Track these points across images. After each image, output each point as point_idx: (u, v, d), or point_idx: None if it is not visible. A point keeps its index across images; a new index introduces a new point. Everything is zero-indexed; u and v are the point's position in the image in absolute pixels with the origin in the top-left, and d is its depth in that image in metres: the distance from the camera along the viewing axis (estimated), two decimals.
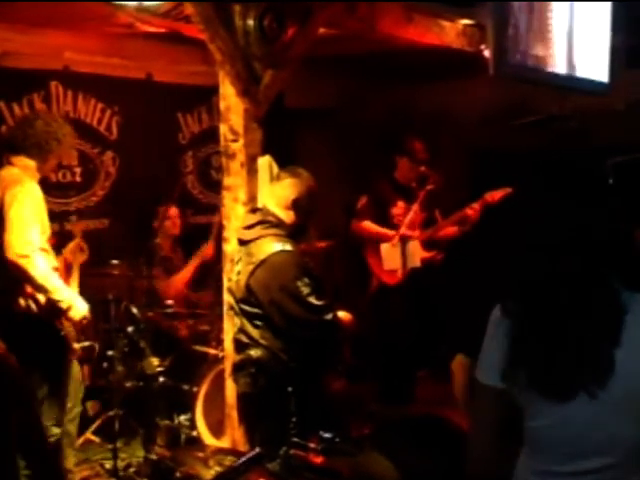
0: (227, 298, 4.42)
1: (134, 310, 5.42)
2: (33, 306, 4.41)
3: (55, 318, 4.50)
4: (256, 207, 4.36)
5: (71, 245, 4.88)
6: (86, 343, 4.90)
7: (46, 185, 4.54)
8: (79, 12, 5.14)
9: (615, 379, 1.97)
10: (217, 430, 5.16)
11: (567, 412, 2.06)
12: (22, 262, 4.20)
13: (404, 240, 6.18)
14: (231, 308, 4.29)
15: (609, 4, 5.78)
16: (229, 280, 4.34)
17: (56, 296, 4.36)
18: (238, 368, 4.19)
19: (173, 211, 6.32)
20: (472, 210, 6.12)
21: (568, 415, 2.07)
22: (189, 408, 5.29)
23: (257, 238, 4.08)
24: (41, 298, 4.39)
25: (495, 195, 5.86)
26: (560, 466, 2.13)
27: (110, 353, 5.30)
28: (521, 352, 2.11)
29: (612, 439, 2.04)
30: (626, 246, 2.10)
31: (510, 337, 2.14)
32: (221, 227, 4.61)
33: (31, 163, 4.52)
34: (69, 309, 4.42)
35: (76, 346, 4.73)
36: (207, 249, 6.24)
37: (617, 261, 2.07)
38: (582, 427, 2.06)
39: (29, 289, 4.37)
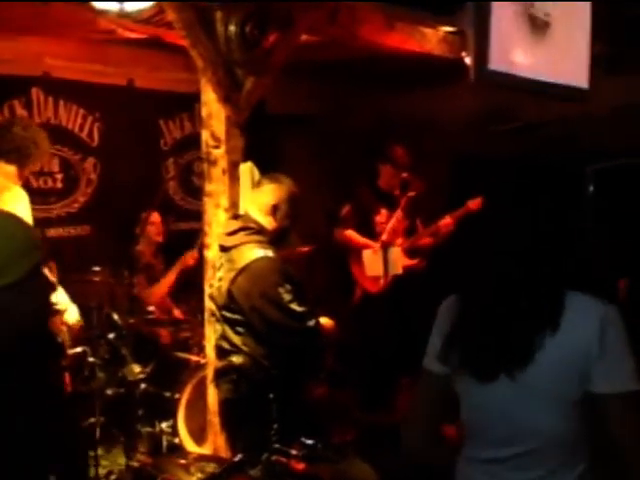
0: (209, 305, 4.41)
1: (115, 317, 5.39)
2: None
3: (51, 323, 4.50)
4: (238, 213, 4.36)
5: None
6: (78, 349, 4.88)
7: (27, 191, 4.51)
8: (60, 18, 5.12)
9: (534, 366, 2.09)
10: (199, 437, 5.15)
11: (490, 394, 2.18)
12: None
13: (386, 247, 6.19)
14: (213, 315, 4.28)
15: (589, 10, 5.80)
16: (211, 286, 4.33)
17: (56, 299, 4.36)
18: (220, 375, 4.18)
19: (155, 217, 6.29)
20: (442, 225, 6.17)
21: (491, 397, 2.19)
22: (171, 415, 5.27)
23: (239, 244, 4.08)
24: None
25: (477, 203, 5.89)
26: (486, 452, 2.24)
27: (91, 360, 5.27)
28: (457, 334, 2.26)
29: (528, 426, 2.14)
30: (585, 252, 2.23)
31: (450, 323, 2.29)
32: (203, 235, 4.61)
33: (11, 169, 4.49)
34: (65, 312, 4.43)
35: (69, 352, 4.72)
36: (189, 257, 6.21)
37: (571, 264, 2.20)
38: (502, 411, 2.17)
39: None
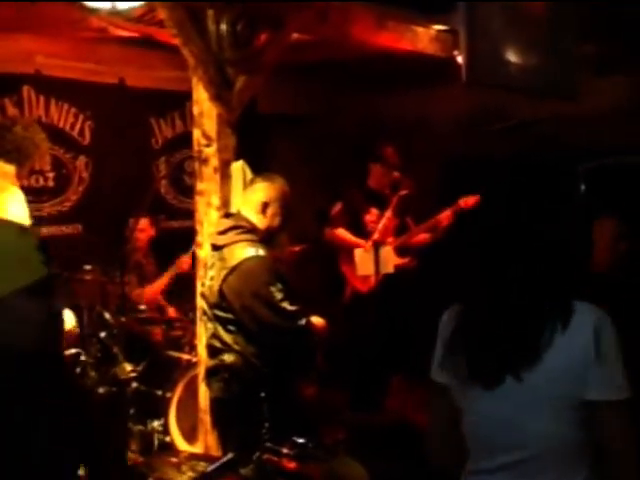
0: (200, 303, 4.41)
1: (107, 315, 5.39)
2: None
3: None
4: (229, 212, 4.36)
5: None
6: (72, 350, 4.86)
7: None
8: (51, 16, 5.12)
9: (541, 365, 2.07)
10: (190, 436, 5.16)
11: (495, 400, 2.14)
12: None
13: (377, 246, 6.19)
14: (204, 313, 4.28)
15: (575, 12, 5.82)
16: (202, 285, 4.33)
17: None
18: (211, 373, 4.18)
19: (143, 223, 6.27)
20: (443, 217, 6.15)
21: (496, 403, 2.15)
22: (162, 414, 5.27)
23: (230, 243, 4.07)
24: None
25: (469, 201, 5.91)
26: (487, 462, 2.21)
27: (83, 359, 5.26)
28: (459, 341, 2.22)
29: (532, 431, 2.11)
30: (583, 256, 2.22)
31: (451, 330, 2.26)
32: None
33: (10, 168, 4.45)
34: None
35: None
36: (183, 262, 6.20)
37: (572, 270, 2.20)
38: (507, 417, 2.14)
39: None
